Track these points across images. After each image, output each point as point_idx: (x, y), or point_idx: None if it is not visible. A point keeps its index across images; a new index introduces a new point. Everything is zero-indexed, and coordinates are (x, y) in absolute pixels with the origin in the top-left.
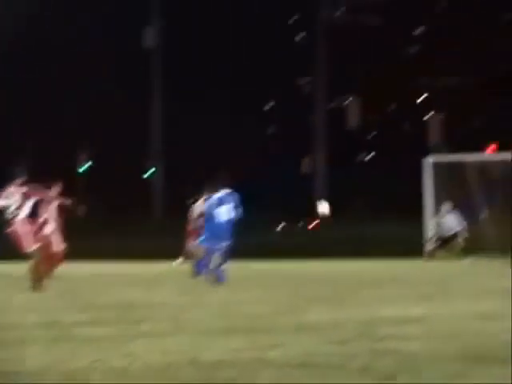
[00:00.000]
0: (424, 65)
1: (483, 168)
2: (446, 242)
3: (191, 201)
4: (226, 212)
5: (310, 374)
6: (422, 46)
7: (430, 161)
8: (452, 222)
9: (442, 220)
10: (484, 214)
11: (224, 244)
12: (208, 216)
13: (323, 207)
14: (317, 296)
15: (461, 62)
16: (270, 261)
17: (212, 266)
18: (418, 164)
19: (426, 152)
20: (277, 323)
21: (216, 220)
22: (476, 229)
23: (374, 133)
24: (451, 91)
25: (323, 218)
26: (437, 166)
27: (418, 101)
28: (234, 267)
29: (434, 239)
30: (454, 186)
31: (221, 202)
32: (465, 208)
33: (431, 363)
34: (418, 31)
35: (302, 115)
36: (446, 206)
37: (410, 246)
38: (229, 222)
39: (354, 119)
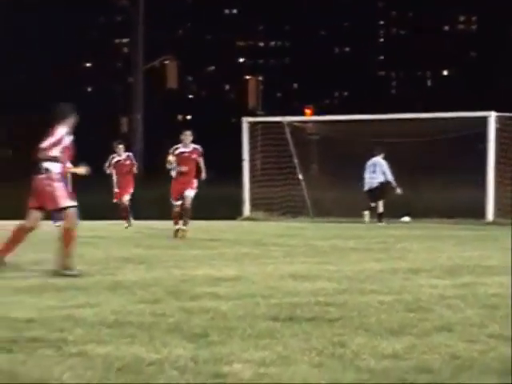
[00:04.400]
0: (243, 27)
1: (301, 129)
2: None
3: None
4: None
5: (122, 333)
6: (241, 8)
7: (247, 121)
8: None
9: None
10: (301, 175)
11: None
12: None
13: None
14: (130, 256)
15: (280, 25)
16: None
17: None
18: (236, 125)
19: (245, 113)
20: (90, 282)
21: None
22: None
23: (192, 94)
24: (269, 54)
25: None
26: (254, 127)
27: (237, 63)
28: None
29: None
30: (271, 147)
31: None
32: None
33: (243, 321)
34: None
35: (121, 75)
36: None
37: (230, 205)
38: None
39: (172, 80)
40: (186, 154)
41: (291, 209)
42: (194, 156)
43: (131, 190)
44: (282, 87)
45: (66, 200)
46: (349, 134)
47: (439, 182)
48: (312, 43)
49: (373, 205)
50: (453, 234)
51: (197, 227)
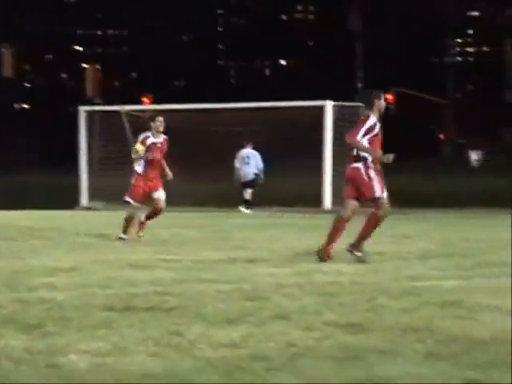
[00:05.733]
0: (81, 15)
1: (139, 119)
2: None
3: None
4: None
5: None
6: None
7: (84, 110)
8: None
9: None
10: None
11: None
12: None
13: None
14: None
15: (118, 13)
16: None
17: None
18: (73, 114)
19: (82, 102)
20: None
21: None
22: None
23: (29, 83)
24: (107, 43)
25: None
26: (91, 116)
27: (74, 51)
28: None
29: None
30: (109, 136)
31: None
32: None
33: (79, 312)
34: None
35: None
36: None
37: (67, 195)
38: None
39: (8, 68)
40: (159, 146)
41: None
42: (165, 149)
43: None
44: (120, 76)
45: (380, 190)
46: (189, 123)
47: (279, 171)
48: (151, 32)
49: (247, 196)
50: (292, 222)
51: (33, 216)
